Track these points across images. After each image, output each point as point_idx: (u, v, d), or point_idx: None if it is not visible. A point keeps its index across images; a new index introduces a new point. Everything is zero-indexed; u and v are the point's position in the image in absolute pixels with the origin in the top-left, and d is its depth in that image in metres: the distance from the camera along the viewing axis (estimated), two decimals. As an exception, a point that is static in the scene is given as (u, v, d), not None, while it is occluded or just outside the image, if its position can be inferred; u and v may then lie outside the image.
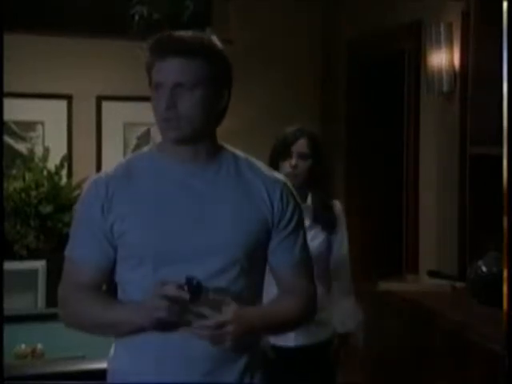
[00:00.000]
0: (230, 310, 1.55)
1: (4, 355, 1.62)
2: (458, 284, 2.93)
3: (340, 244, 2.65)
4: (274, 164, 2.50)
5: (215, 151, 1.67)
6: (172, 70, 1.59)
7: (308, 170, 2.57)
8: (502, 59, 1.54)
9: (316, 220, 2.59)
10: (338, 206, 2.68)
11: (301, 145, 2.57)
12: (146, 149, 1.73)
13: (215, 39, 1.66)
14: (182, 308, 1.52)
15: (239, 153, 1.72)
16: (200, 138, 1.64)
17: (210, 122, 1.65)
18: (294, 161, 2.55)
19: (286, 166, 2.55)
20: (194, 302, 1.52)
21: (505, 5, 1.55)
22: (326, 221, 2.60)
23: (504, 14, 1.54)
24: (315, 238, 2.55)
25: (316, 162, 2.58)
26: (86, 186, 1.69)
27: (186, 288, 1.50)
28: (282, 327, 1.71)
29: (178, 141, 1.63)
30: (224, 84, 1.65)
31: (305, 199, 2.58)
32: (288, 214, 1.67)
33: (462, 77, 3.25)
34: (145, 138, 4.24)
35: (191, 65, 1.58)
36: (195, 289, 1.51)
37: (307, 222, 2.38)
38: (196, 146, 1.64)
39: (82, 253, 1.65)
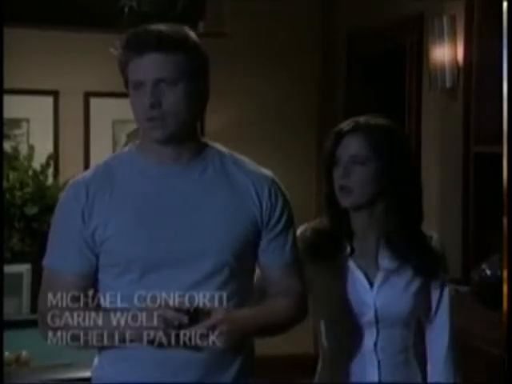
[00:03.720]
0: (220, 311, 1.55)
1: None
2: (462, 288, 2.95)
3: (441, 296, 1.91)
4: (326, 173, 1.86)
5: (199, 149, 1.68)
6: (152, 65, 1.58)
7: (370, 180, 1.81)
8: (502, 59, 1.56)
9: (404, 260, 1.85)
10: (436, 240, 1.91)
11: (351, 143, 1.82)
12: (124, 149, 1.72)
13: (191, 32, 1.65)
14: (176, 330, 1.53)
15: (223, 149, 1.71)
16: (184, 135, 1.64)
17: (194, 118, 1.65)
18: (341, 169, 1.82)
19: (335, 175, 1.84)
20: (189, 327, 1.53)
21: (505, 5, 1.57)
22: (420, 261, 1.85)
23: (504, 14, 1.56)
24: (408, 288, 1.85)
25: (386, 168, 1.81)
26: (63, 192, 1.68)
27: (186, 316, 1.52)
28: (274, 328, 1.71)
29: (163, 140, 1.62)
30: (204, 77, 1.65)
31: (377, 230, 1.85)
32: (277, 212, 1.67)
33: (465, 72, 3.26)
34: (135, 135, 4.24)
35: (171, 59, 1.58)
36: (193, 315, 1.52)
37: (393, 264, 1.84)
38: (179, 145, 1.64)
39: (62, 262, 1.63)
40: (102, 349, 1.66)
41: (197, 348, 1.55)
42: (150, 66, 1.58)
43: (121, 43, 1.61)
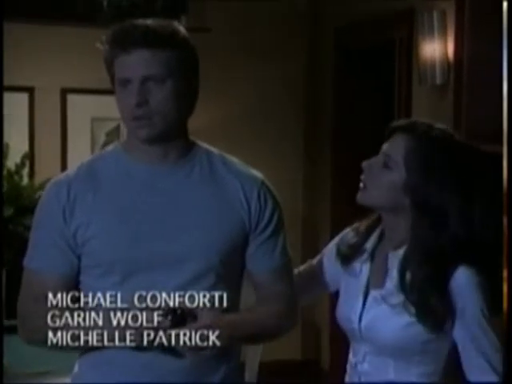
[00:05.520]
0: (207, 315, 1.55)
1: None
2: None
3: (465, 341, 1.62)
4: None
5: (187, 149, 1.68)
6: (139, 62, 1.58)
7: (390, 187, 1.65)
8: (502, 57, 1.57)
9: (401, 289, 1.64)
10: (462, 277, 1.61)
11: (387, 146, 1.72)
12: (109, 148, 1.72)
13: (180, 28, 1.65)
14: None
15: (213, 149, 1.71)
16: (172, 135, 1.64)
17: (182, 117, 1.65)
18: (363, 175, 1.70)
19: None
20: (174, 329, 1.53)
21: (505, 5, 1.58)
22: (417, 310, 1.62)
23: (504, 14, 1.58)
24: (401, 317, 1.64)
25: (414, 176, 1.61)
26: (45, 190, 1.67)
27: (169, 318, 1.52)
28: (263, 335, 1.71)
29: (149, 140, 1.62)
30: (193, 75, 1.66)
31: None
32: (266, 216, 1.67)
33: (456, 69, 3.28)
34: (114, 134, 4.23)
35: (159, 56, 1.58)
36: (178, 318, 1.52)
37: (393, 289, 1.66)
38: (167, 145, 1.64)
39: (43, 263, 1.63)
40: (83, 354, 1.66)
41: (182, 354, 1.55)
42: (136, 63, 1.58)
43: (107, 39, 1.61)
